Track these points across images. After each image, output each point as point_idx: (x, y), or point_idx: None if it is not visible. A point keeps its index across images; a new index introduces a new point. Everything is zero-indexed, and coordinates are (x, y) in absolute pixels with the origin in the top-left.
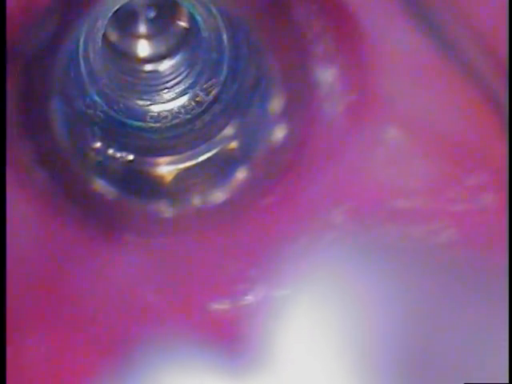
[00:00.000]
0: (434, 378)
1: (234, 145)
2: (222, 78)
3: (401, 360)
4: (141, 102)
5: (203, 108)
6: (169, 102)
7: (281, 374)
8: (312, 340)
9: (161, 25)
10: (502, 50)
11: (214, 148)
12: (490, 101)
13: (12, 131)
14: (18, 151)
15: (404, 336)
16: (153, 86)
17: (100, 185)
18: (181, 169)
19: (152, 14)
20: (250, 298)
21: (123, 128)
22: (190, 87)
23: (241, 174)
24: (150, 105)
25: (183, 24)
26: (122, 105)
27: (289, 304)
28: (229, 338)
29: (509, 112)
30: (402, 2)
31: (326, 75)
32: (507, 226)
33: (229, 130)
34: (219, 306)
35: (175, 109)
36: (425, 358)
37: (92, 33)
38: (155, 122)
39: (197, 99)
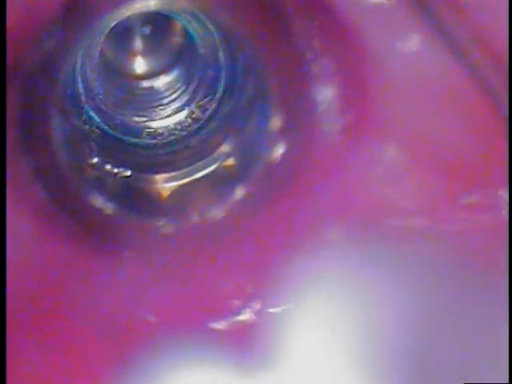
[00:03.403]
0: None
1: (231, 162)
2: (218, 95)
3: (407, 365)
4: (137, 119)
5: (199, 125)
6: (165, 119)
7: None
8: (319, 354)
9: (157, 41)
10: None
11: (211, 165)
12: (493, 115)
13: (10, 146)
14: (16, 166)
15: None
16: (149, 102)
17: (98, 200)
18: (178, 185)
19: (148, 31)
20: (247, 314)
21: (120, 144)
22: (186, 104)
23: (238, 191)
24: (146, 121)
25: (179, 41)
26: (118, 121)
27: (289, 318)
28: (227, 352)
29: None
30: (408, 18)
31: (325, 93)
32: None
33: (225, 147)
34: (217, 322)
35: (171, 125)
36: (430, 364)
37: (89, 50)
38: (151, 138)
39: (193, 116)
